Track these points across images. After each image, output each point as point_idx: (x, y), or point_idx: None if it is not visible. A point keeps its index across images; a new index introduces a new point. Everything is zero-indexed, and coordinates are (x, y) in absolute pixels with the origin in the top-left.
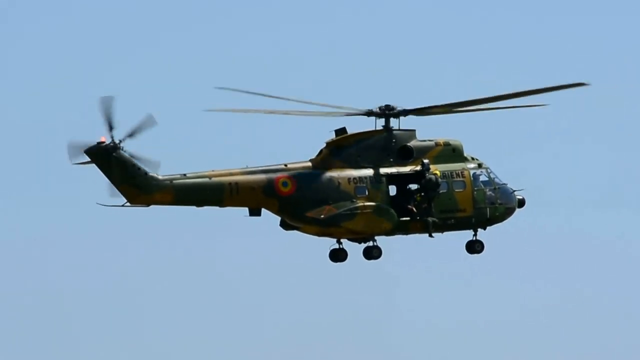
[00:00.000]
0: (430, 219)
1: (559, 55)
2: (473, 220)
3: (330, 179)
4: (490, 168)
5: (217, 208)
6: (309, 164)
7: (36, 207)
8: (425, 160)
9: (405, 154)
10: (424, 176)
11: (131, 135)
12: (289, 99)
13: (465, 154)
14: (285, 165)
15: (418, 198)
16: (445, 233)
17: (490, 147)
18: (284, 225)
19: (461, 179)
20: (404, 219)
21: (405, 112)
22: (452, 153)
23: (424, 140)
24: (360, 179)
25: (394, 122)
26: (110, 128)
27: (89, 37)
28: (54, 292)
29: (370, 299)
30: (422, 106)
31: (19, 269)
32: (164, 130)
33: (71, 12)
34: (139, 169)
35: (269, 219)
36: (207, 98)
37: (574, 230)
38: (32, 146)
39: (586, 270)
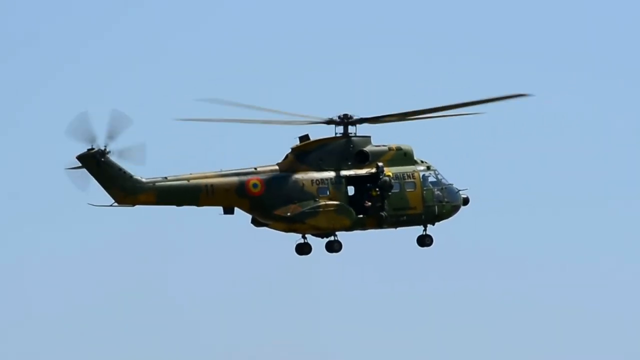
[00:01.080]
0: (383, 214)
1: (502, 66)
2: (423, 217)
3: (296, 181)
4: (438, 170)
5: (195, 207)
6: (277, 167)
7: (35, 207)
8: (380, 164)
9: (362, 158)
10: (379, 178)
11: (110, 137)
12: (258, 108)
13: (415, 158)
14: (255, 168)
15: (374, 194)
16: (398, 229)
17: (438, 151)
18: (255, 222)
19: (412, 180)
20: (362, 216)
21: (362, 121)
22: (404, 157)
23: (379, 146)
24: (323, 180)
25: (351, 130)
26: (93, 139)
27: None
28: (51, 283)
29: (332, 288)
30: (377, 115)
31: (19, 260)
32: (143, 137)
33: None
34: (125, 172)
35: (241, 217)
36: (183, 107)
37: (513, 227)
38: (30, 153)
39: (520, 262)
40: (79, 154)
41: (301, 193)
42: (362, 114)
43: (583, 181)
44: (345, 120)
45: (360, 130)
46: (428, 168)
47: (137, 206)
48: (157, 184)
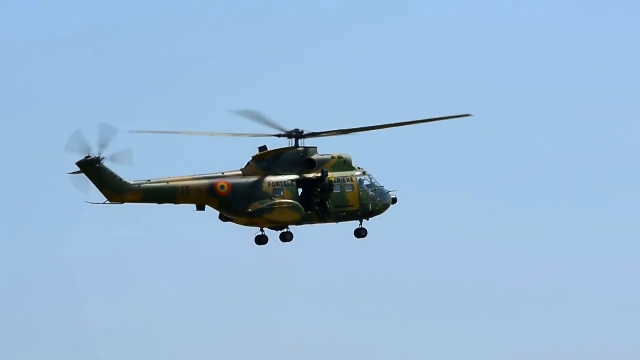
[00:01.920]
0: (327, 205)
1: (447, 86)
2: (359, 213)
3: (256, 183)
4: (372, 175)
5: (173, 205)
6: (240, 172)
7: (45, 203)
8: (325, 169)
9: (310, 165)
10: (324, 181)
11: (102, 145)
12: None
13: (353, 165)
14: (223, 173)
15: (315, 192)
16: (339, 224)
17: (372, 159)
18: (222, 217)
19: (350, 183)
20: (309, 212)
21: (310, 135)
22: (344, 164)
23: (324, 155)
24: (278, 183)
25: (301, 142)
26: (89, 149)
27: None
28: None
29: (286, 272)
30: (322, 130)
31: (30, 244)
32: (131, 145)
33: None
34: (116, 176)
35: (211, 213)
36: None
37: (433, 222)
38: (39, 161)
39: (438, 251)
40: (78, 161)
41: (260, 193)
42: (310, 129)
43: (501, 185)
44: (296, 134)
45: (309, 142)
46: (364, 173)
47: (125, 204)
48: (142, 185)
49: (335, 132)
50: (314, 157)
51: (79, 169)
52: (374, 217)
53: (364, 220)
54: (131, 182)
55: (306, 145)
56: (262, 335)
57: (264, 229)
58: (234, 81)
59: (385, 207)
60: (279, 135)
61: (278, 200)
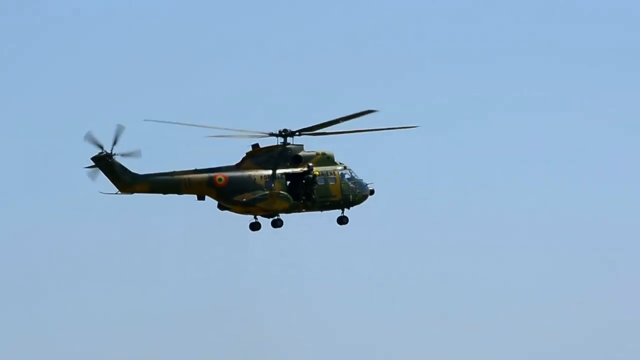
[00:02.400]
0: (313, 196)
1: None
2: (341, 203)
3: (249, 176)
4: (352, 169)
5: (177, 195)
6: (235, 166)
7: (63, 194)
8: (310, 164)
9: (297, 161)
10: (309, 174)
11: (114, 142)
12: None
13: (335, 160)
14: (220, 167)
15: (312, 177)
16: (323, 212)
17: (353, 155)
18: (220, 206)
19: (333, 176)
20: (296, 202)
21: (296, 133)
22: (327, 160)
23: (309, 152)
24: (269, 176)
25: (289, 140)
26: (99, 145)
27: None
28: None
29: (277, 254)
30: (308, 130)
31: (45, 234)
32: (140, 143)
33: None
34: (126, 170)
35: (210, 202)
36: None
37: (406, 210)
38: (58, 156)
39: (418, 236)
40: (92, 156)
41: (253, 185)
42: (295, 128)
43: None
44: (284, 133)
45: (296, 140)
46: (345, 167)
47: (134, 194)
48: (149, 177)
49: (320, 132)
50: (301, 153)
51: (93, 164)
52: (354, 206)
53: (345, 209)
54: (140, 175)
55: (294, 143)
56: (258, 311)
57: (257, 216)
58: (232, 80)
59: (363, 198)
60: (270, 134)
61: (269, 192)
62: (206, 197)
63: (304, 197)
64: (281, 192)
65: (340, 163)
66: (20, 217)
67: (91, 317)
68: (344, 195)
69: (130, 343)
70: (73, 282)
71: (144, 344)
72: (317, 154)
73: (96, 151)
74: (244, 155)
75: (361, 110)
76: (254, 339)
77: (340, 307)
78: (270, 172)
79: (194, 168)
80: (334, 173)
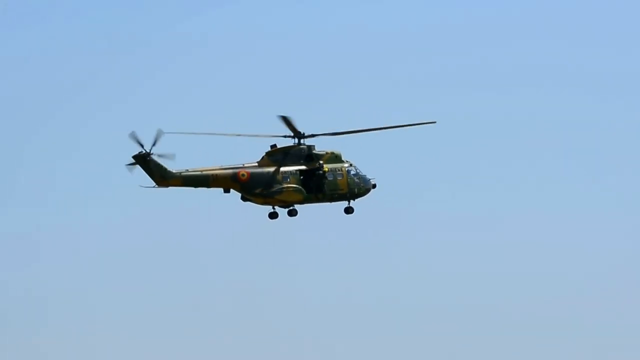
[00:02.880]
0: (323, 189)
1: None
2: (348, 195)
3: (268, 172)
4: (357, 166)
5: (205, 188)
6: (257, 164)
7: (108, 187)
8: (321, 162)
9: (310, 159)
10: (320, 171)
11: (154, 143)
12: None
13: (343, 159)
14: (243, 164)
15: (323, 173)
16: (332, 203)
17: (356, 153)
18: (243, 198)
19: (341, 172)
20: (309, 194)
21: (310, 136)
22: (335, 158)
23: (320, 151)
24: (285, 172)
25: (303, 141)
26: (140, 144)
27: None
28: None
29: (292, 239)
30: (319, 133)
31: (94, 219)
32: (173, 146)
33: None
34: (162, 166)
35: (235, 195)
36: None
37: (404, 202)
38: (105, 155)
39: (407, 224)
40: (133, 154)
41: (272, 179)
42: (309, 131)
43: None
44: (300, 135)
45: (308, 141)
46: (350, 165)
47: (169, 187)
48: (182, 173)
49: (328, 134)
50: (313, 152)
51: (134, 161)
52: (358, 198)
53: (351, 201)
54: (174, 171)
55: (307, 144)
56: (274, 287)
57: (275, 206)
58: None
59: (367, 191)
60: (286, 136)
61: (286, 185)
62: (231, 190)
63: (315, 190)
64: (296, 186)
65: (347, 161)
66: (74, 206)
67: (140, 289)
68: (350, 188)
69: (164, 315)
70: (123, 258)
71: (178, 313)
72: (327, 153)
73: (137, 150)
74: (264, 154)
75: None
76: (275, 307)
77: (343, 283)
78: (286, 168)
79: (220, 165)
80: (341, 170)
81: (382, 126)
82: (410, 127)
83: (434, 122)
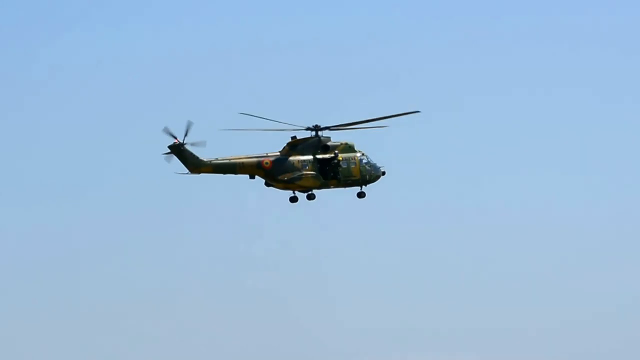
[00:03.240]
0: (338, 176)
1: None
2: (360, 181)
3: (289, 160)
4: (368, 155)
5: (233, 175)
6: (278, 153)
7: (147, 174)
8: (336, 152)
9: (326, 149)
10: (335, 159)
11: (186, 134)
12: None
13: (355, 148)
14: (267, 154)
15: (337, 162)
16: (346, 188)
17: (367, 143)
18: (266, 184)
19: (354, 160)
20: (325, 180)
21: (325, 128)
22: (349, 148)
23: (335, 142)
24: (304, 160)
25: (320, 133)
26: (173, 136)
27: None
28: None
29: (311, 221)
30: (332, 126)
31: (137, 204)
32: (202, 134)
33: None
34: (194, 155)
35: (259, 181)
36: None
37: (409, 188)
38: (140, 145)
39: (413, 206)
40: (169, 145)
41: (292, 167)
42: (324, 124)
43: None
44: (316, 128)
45: (325, 133)
46: (363, 154)
47: (201, 174)
48: (212, 161)
49: (343, 127)
50: (329, 143)
51: (169, 151)
52: (369, 184)
53: (363, 186)
54: (205, 160)
55: (323, 135)
56: (295, 261)
57: (295, 191)
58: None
59: (377, 177)
60: (306, 129)
61: (305, 172)
62: (256, 176)
63: (331, 177)
64: (313, 172)
65: (359, 150)
66: (117, 192)
67: (178, 262)
68: (362, 175)
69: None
70: (159, 235)
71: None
72: (341, 143)
73: (171, 141)
74: (285, 144)
75: (405, 111)
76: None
77: (356, 258)
78: (305, 157)
79: (246, 154)
80: (354, 158)
81: (367, 119)
82: (395, 117)
83: (419, 112)
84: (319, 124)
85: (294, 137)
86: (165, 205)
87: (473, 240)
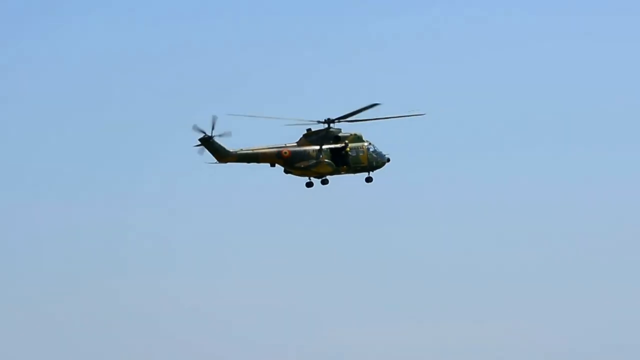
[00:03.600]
0: (349, 163)
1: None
2: (368, 167)
3: (305, 150)
4: (374, 144)
5: (256, 164)
6: (296, 143)
7: (180, 164)
8: (346, 142)
9: (337, 139)
10: (346, 148)
11: (213, 127)
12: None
13: (363, 139)
14: (285, 144)
15: (347, 151)
16: (356, 174)
17: (374, 134)
18: (285, 171)
19: (362, 149)
20: (338, 167)
21: (336, 120)
22: (358, 138)
23: (345, 133)
24: (319, 149)
25: (332, 125)
26: (202, 131)
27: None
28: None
29: (325, 203)
30: (344, 119)
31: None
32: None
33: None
34: (222, 146)
35: (279, 168)
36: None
37: (412, 172)
38: (177, 138)
39: (415, 189)
40: (199, 137)
41: (308, 156)
42: (335, 117)
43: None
44: (328, 121)
45: (336, 125)
46: (370, 143)
47: (228, 163)
48: (237, 152)
49: (351, 121)
50: (339, 134)
51: (200, 143)
52: (376, 170)
53: (370, 172)
54: (231, 150)
55: (335, 127)
56: (311, 241)
57: (311, 177)
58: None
59: (383, 164)
60: (319, 122)
61: (319, 160)
62: (276, 165)
63: (342, 164)
64: (327, 160)
65: (367, 140)
66: (153, 179)
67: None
68: (370, 162)
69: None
70: (200, 214)
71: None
72: (351, 134)
73: (201, 135)
74: (301, 136)
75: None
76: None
77: (365, 237)
78: (319, 147)
79: (267, 144)
80: (362, 147)
81: (374, 117)
82: (400, 118)
83: (424, 114)
84: (330, 117)
85: (308, 130)
86: (197, 189)
87: (471, 233)
